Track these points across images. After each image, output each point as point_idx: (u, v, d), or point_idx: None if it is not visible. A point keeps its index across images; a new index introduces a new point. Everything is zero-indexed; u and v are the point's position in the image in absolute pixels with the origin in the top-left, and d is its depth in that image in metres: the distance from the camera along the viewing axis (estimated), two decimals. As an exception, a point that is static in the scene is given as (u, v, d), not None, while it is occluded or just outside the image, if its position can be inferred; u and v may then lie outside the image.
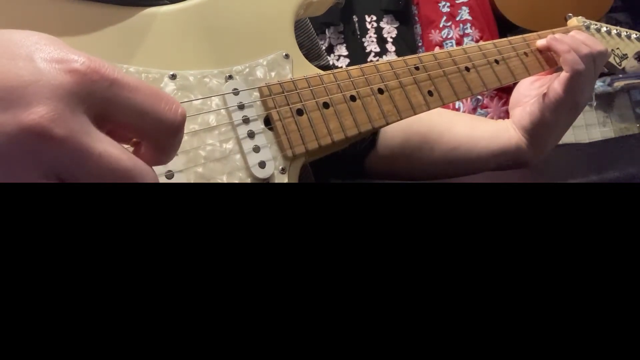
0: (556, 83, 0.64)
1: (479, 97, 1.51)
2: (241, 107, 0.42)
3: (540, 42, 0.66)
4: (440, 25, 1.49)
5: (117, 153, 0.26)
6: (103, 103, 0.27)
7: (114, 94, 0.27)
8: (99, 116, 0.27)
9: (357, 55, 1.39)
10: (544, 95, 0.66)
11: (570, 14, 0.74)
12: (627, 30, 0.76)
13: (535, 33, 0.68)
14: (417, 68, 0.52)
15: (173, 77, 0.40)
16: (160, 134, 0.28)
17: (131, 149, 0.29)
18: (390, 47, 1.41)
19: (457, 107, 1.50)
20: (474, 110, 1.50)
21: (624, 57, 0.73)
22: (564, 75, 0.63)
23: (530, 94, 0.69)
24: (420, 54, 0.53)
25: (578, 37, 0.66)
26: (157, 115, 0.28)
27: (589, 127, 1.69)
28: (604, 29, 0.75)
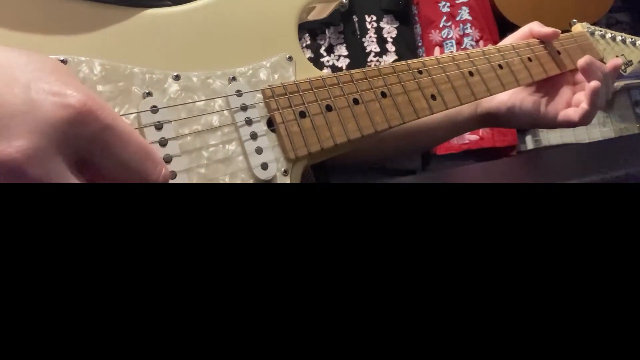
0: (572, 112, 0.66)
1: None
2: (244, 108, 0.42)
3: (581, 62, 0.66)
4: (440, 25, 1.48)
5: None
6: (89, 147, 0.26)
7: (104, 140, 0.26)
8: (81, 159, 0.26)
9: (357, 55, 1.38)
10: (543, 104, 0.68)
11: (574, 20, 0.74)
12: (631, 36, 0.76)
13: (537, 39, 0.68)
14: (420, 72, 0.52)
15: (177, 77, 0.40)
16: None
17: None
18: (390, 47, 1.40)
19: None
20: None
21: (629, 63, 0.73)
22: (584, 109, 0.65)
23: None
24: (424, 58, 0.53)
25: (608, 71, 0.68)
26: (140, 174, 0.27)
27: (589, 127, 1.68)
28: (608, 35, 0.75)
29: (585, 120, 0.65)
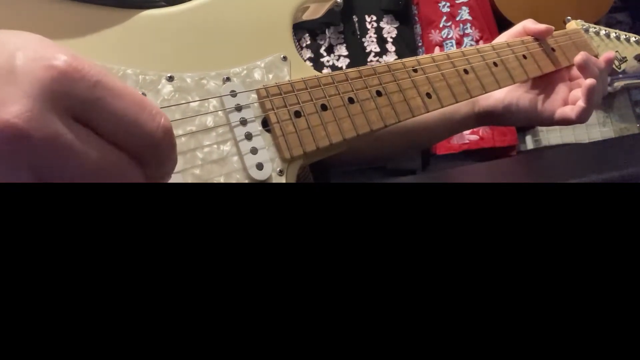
0: (569, 110, 0.66)
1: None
2: (239, 108, 0.42)
3: (578, 58, 0.66)
4: (440, 25, 1.48)
5: (99, 149, 0.25)
6: (82, 104, 0.25)
7: (95, 96, 0.25)
8: (77, 117, 0.26)
9: (357, 55, 1.38)
10: (540, 102, 0.68)
11: (569, 17, 0.74)
12: (626, 33, 0.76)
13: (531, 37, 0.68)
14: (415, 70, 0.52)
15: (170, 78, 0.40)
16: (139, 144, 0.27)
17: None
18: (390, 47, 1.40)
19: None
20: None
21: (623, 60, 0.73)
22: (581, 106, 0.65)
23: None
24: (419, 56, 0.53)
25: (604, 67, 0.68)
26: (137, 124, 0.27)
27: (589, 127, 1.68)
28: (602, 32, 0.75)
29: (582, 117, 0.65)
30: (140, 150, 0.27)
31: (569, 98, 0.68)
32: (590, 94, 0.64)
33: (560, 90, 0.68)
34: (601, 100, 0.68)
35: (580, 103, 0.65)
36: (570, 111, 0.66)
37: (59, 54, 0.26)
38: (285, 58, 0.47)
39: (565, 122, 0.67)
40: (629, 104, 1.74)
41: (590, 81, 0.64)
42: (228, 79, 0.43)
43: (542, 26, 0.68)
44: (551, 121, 0.68)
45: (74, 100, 0.25)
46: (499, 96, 0.70)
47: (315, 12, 0.51)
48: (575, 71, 0.69)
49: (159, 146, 0.28)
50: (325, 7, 0.51)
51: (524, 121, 0.71)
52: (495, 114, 0.70)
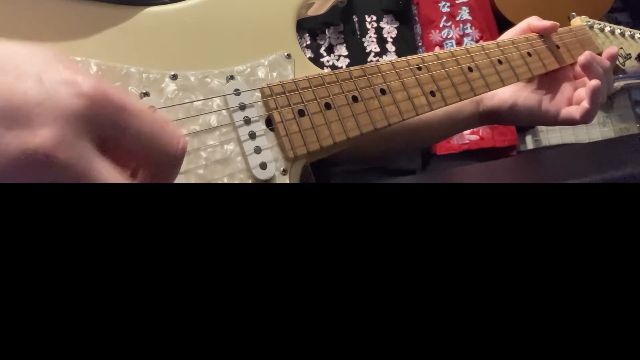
0: (574, 110, 0.66)
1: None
2: (242, 107, 0.42)
3: (582, 59, 0.66)
4: (440, 25, 1.48)
5: (117, 178, 0.26)
6: (109, 129, 0.26)
7: (121, 120, 0.26)
8: (103, 140, 0.26)
9: (357, 55, 1.38)
10: (544, 102, 0.67)
11: (573, 13, 0.74)
12: (631, 30, 0.76)
13: (535, 34, 0.68)
14: (419, 68, 0.52)
15: (174, 77, 0.40)
16: (159, 164, 0.28)
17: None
18: (390, 47, 1.40)
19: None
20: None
21: (628, 56, 0.73)
22: (585, 107, 0.65)
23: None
24: (423, 54, 0.53)
25: (608, 65, 0.67)
26: (159, 146, 0.28)
27: (589, 127, 1.68)
28: (607, 29, 0.74)
29: (586, 118, 0.65)
30: (160, 167, 0.29)
31: (574, 97, 0.67)
32: (594, 95, 0.64)
33: (565, 89, 0.68)
34: (606, 100, 0.68)
35: (585, 104, 0.64)
36: (574, 111, 0.65)
37: (84, 78, 0.26)
38: (289, 56, 0.46)
39: (570, 122, 0.66)
40: (629, 104, 1.74)
41: (594, 82, 0.64)
42: (232, 77, 0.43)
43: (547, 23, 0.68)
44: (555, 121, 0.67)
45: (101, 125, 0.26)
46: (503, 96, 0.70)
47: (319, 8, 0.51)
48: (578, 70, 0.68)
49: (179, 164, 0.29)
50: (330, 2, 0.51)
51: (527, 121, 0.70)
52: (500, 113, 0.70)
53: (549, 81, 0.69)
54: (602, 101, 0.65)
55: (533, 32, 0.69)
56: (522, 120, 0.70)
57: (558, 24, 0.69)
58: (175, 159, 0.29)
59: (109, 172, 0.26)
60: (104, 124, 0.26)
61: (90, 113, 0.25)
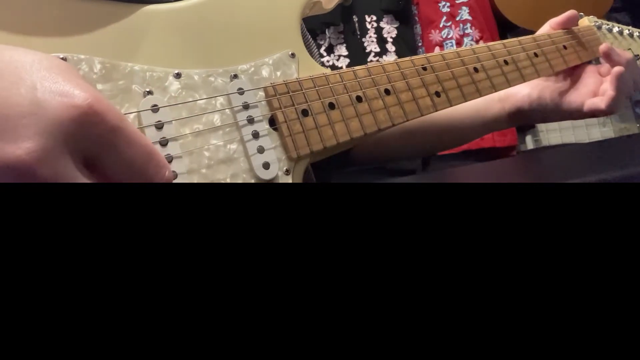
0: (599, 100, 0.65)
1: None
2: (246, 107, 0.42)
3: (602, 47, 0.66)
4: (440, 25, 1.48)
5: None
6: (96, 147, 0.26)
7: (109, 141, 0.26)
8: (88, 159, 0.26)
9: (357, 55, 1.38)
10: (568, 94, 0.67)
11: (581, 13, 0.74)
12: (639, 30, 0.75)
13: (545, 34, 0.67)
14: (424, 68, 0.52)
15: (178, 75, 0.40)
16: None
17: None
18: (390, 47, 1.40)
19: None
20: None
21: (636, 58, 0.72)
22: (610, 95, 0.64)
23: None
24: (428, 54, 0.53)
25: (630, 58, 0.67)
26: (144, 175, 0.28)
27: (589, 127, 1.69)
28: (615, 29, 0.74)
29: (612, 107, 0.64)
30: None
31: (599, 91, 0.67)
32: (618, 80, 0.63)
33: (589, 82, 0.68)
34: (632, 91, 0.67)
35: (610, 92, 0.64)
36: (599, 101, 0.64)
37: (81, 91, 0.26)
38: (293, 55, 0.46)
39: (596, 113, 0.65)
40: (629, 104, 1.74)
41: (617, 68, 0.63)
42: (235, 76, 0.42)
43: (563, 15, 0.68)
44: (580, 113, 0.66)
45: (89, 142, 0.26)
46: (525, 92, 0.69)
47: (323, 7, 0.50)
48: (604, 67, 0.68)
49: None
50: (334, 2, 0.50)
51: (553, 115, 0.69)
52: (525, 110, 0.69)
53: (572, 75, 0.69)
54: (628, 91, 0.65)
55: (554, 29, 0.69)
56: (548, 116, 0.70)
57: (575, 11, 0.69)
58: None
59: None
60: (92, 141, 0.26)
61: (78, 127, 0.25)
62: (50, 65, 0.26)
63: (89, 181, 0.26)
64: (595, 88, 0.67)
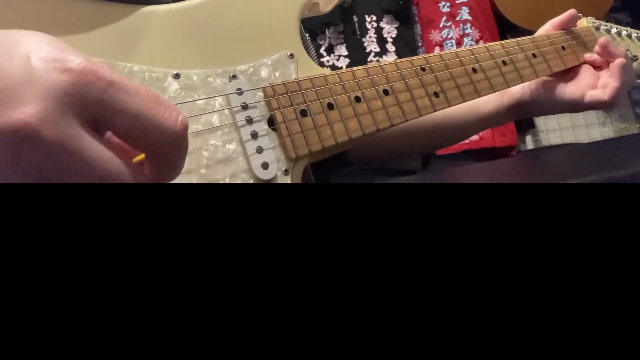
0: (600, 92, 0.64)
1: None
2: (245, 107, 0.42)
3: (602, 40, 0.66)
4: (440, 25, 1.48)
5: (106, 158, 0.25)
6: (98, 106, 0.26)
7: (110, 96, 0.26)
8: (94, 119, 0.26)
9: (357, 55, 1.38)
10: (567, 86, 0.67)
11: (580, 15, 0.74)
12: (637, 31, 0.75)
13: (543, 35, 0.68)
14: (423, 69, 0.52)
15: (177, 76, 0.40)
16: (158, 142, 0.27)
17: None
18: (390, 47, 1.40)
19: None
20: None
21: (635, 59, 0.72)
22: (613, 86, 0.64)
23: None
24: (427, 55, 0.53)
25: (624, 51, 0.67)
26: (154, 121, 0.26)
27: (589, 127, 1.69)
28: (614, 30, 0.74)
29: (614, 98, 0.63)
30: (160, 147, 0.27)
31: (598, 85, 0.66)
32: (621, 71, 0.63)
33: (587, 76, 0.67)
34: (631, 86, 0.67)
35: (612, 83, 0.63)
36: (601, 93, 0.64)
37: (73, 56, 0.26)
38: (292, 55, 0.46)
39: (597, 104, 0.65)
40: (629, 104, 1.74)
41: (619, 59, 0.63)
42: (234, 76, 0.42)
43: (563, 15, 0.68)
44: (580, 105, 0.66)
45: (89, 102, 0.25)
46: (525, 84, 0.68)
47: (323, 8, 0.51)
48: (598, 59, 0.68)
49: (179, 141, 0.28)
50: (333, 2, 0.50)
51: (552, 107, 0.69)
52: (524, 103, 0.69)
53: (570, 70, 0.69)
54: (629, 83, 0.64)
55: (555, 28, 0.69)
56: (547, 108, 0.69)
57: (575, 11, 0.69)
58: (175, 135, 0.27)
59: (98, 151, 0.25)
60: (92, 100, 0.25)
61: (76, 89, 0.25)
62: (41, 39, 0.27)
63: (99, 143, 0.26)
64: (593, 82, 0.67)
